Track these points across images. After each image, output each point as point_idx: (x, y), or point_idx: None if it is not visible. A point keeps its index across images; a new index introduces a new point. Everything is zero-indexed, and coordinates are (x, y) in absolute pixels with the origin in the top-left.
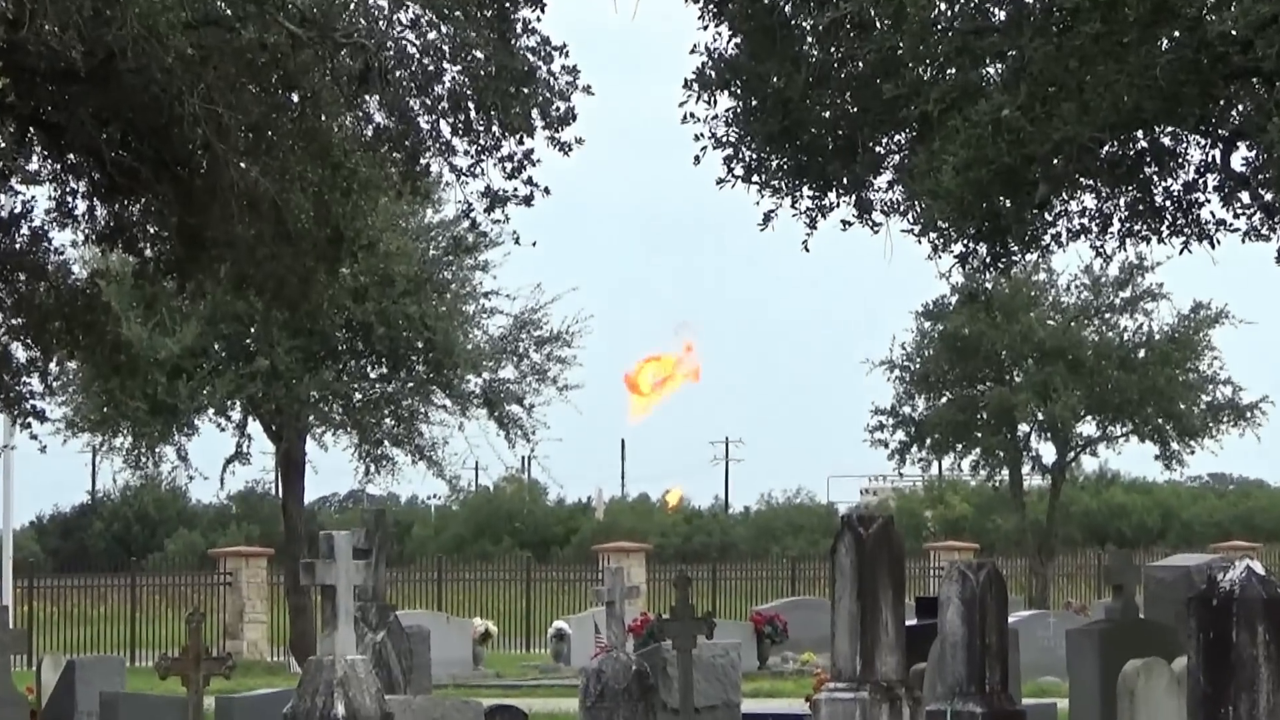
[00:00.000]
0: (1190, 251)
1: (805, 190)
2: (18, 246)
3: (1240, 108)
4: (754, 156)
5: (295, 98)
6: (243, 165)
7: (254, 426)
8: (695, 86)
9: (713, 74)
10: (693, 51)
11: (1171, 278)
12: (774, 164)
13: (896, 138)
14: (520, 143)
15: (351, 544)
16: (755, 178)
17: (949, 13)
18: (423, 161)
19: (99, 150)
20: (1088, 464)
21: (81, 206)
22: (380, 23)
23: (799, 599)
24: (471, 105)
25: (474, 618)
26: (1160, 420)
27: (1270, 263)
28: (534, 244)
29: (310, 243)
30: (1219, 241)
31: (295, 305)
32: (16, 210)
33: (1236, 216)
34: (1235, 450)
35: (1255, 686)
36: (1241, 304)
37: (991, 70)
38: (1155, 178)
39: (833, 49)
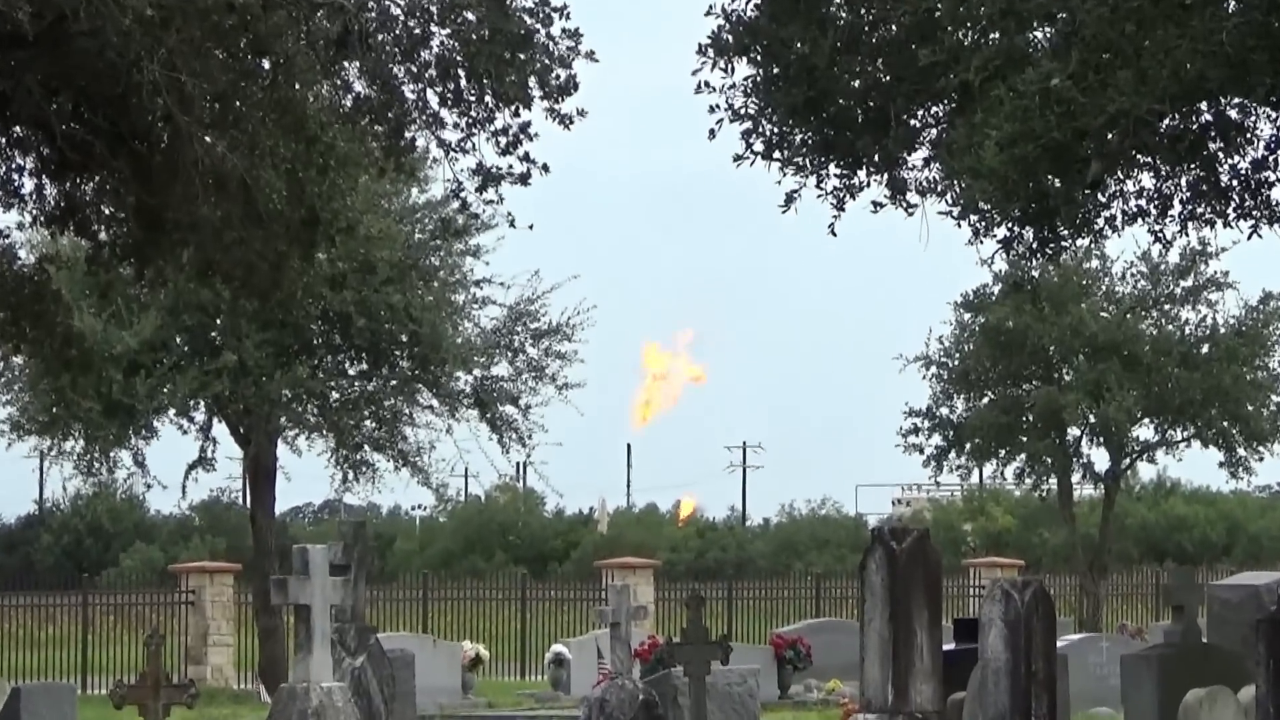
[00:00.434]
0: (1259, 236)
1: (832, 168)
2: None
3: None
4: (775, 130)
5: (266, 64)
6: (208, 139)
7: (219, 429)
8: (710, 52)
9: (730, 38)
10: (708, 13)
11: (1238, 265)
12: (797, 139)
13: (934, 109)
14: (516, 115)
15: (328, 559)
16: (777, 154)
17: None
18: (407, 135)
19: (48, 122)
20: (1145, 472)
21: (29, 185)
22: None
23: (824, 620)
24: (462, 73)
25: (463, 641)
26: (1225, 423)
27: None
28: (531, 227)
29: (282, 225)
30: None
31: (266, 294)
32: None
33: None
34: None
35: None
36: None
37: (1039, 35)
38: (1220, 154)
39: (863, 11)
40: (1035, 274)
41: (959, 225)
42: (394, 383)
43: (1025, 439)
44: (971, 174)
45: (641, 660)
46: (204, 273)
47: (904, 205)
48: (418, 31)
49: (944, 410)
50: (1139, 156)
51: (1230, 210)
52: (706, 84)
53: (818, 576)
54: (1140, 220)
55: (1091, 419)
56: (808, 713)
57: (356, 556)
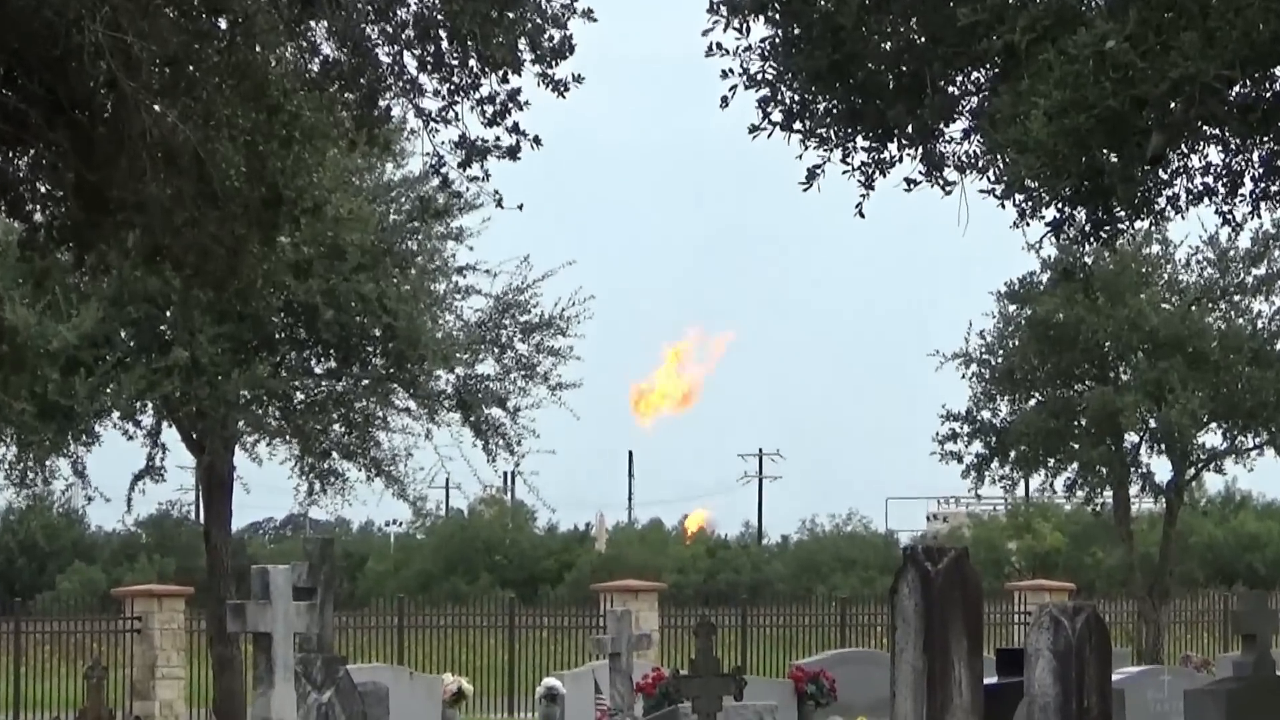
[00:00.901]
0: None
1: (860, 141)
2: None
3: None
4: (796, 98)
5: (223, 24)
6: (156, 108)
7: (169, 434)
8: (723, 10)
9: None
10: None
11: None
12: (820, 108)
13: (974, 75)
14: (504, 81)
15: (291, 581)
16: (797, 125)
17: None
18: (381, 104)
19: None
20: (1211, 483)
21: None
22: None
23: (850, 651)
24: (443, 34)
25: (444, 674)
26: None
27: None
28: (520, 207)
29: (241, 205)
30: None
31: (221, 283)
32: None
33: None
34: None
35: None
36: None
37: None
38: None
39: None
40: (1088, 260)
41: (1002, 205)
42: (366, 382)
43: (1077, 446)
44: (1017, 147)
45: (645, 695)
46: (152, 258)
47: (940, 183)
48: None
49: (985, 414)
50: (1205, 128)
51: None
52: (718, 46)
53: (843, 601)
54: (1207, 200)
55: (1152, 423)
56: None
57: (323, 578)
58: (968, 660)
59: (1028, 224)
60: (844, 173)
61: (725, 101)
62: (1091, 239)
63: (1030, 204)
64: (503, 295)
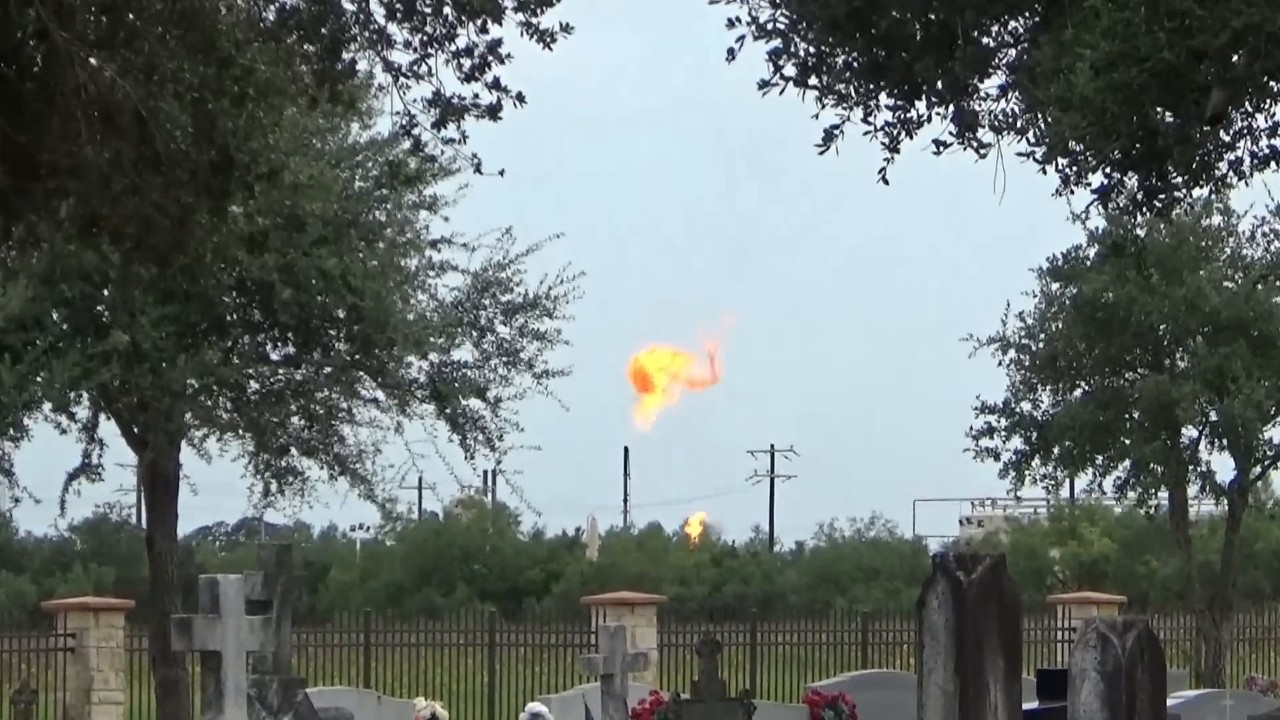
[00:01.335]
0: None
1: (883, 98)
2: None
3: None
4: (811, 50)
5: None
6: (93, 62)
7: (108, 428)
8: None
9: None
10: None
11: None
12: (839, 61)
13: (1012, 24)
14: (483, 30)
15: (244, 594)
16: (813, 80)
17: None
18: (346, 57)
19: None
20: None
21: None
22: None
23: (872, 673)
24: None
25: (416, 698)
26: None
27: None
28: (501, 173)
29: (187, 170)
30: None
31: (166, 258)
32: None
33: None
34: None
35: None
36: None
37: None
38: None
39: None
40: (1141, 233)
41: (1044, 171)
42: (328, 370)
43: (1128, 442)
44: (1060, 105)
45: None
46: (88, 230)
47: (974, 145)
48: None
49: (1025, 405)
50: (1271, 83)
51: None
52: None
53: (864, 616)
54: (1274, 164)
55: (1212, 416)
56: None
57: (280, 590)
58: (1004, 682)
59: (1072, 192)
60: (865, 134)
61: (732, 54)
62: (1144, 209)
63: (1075, 169)
64: (482, 272)
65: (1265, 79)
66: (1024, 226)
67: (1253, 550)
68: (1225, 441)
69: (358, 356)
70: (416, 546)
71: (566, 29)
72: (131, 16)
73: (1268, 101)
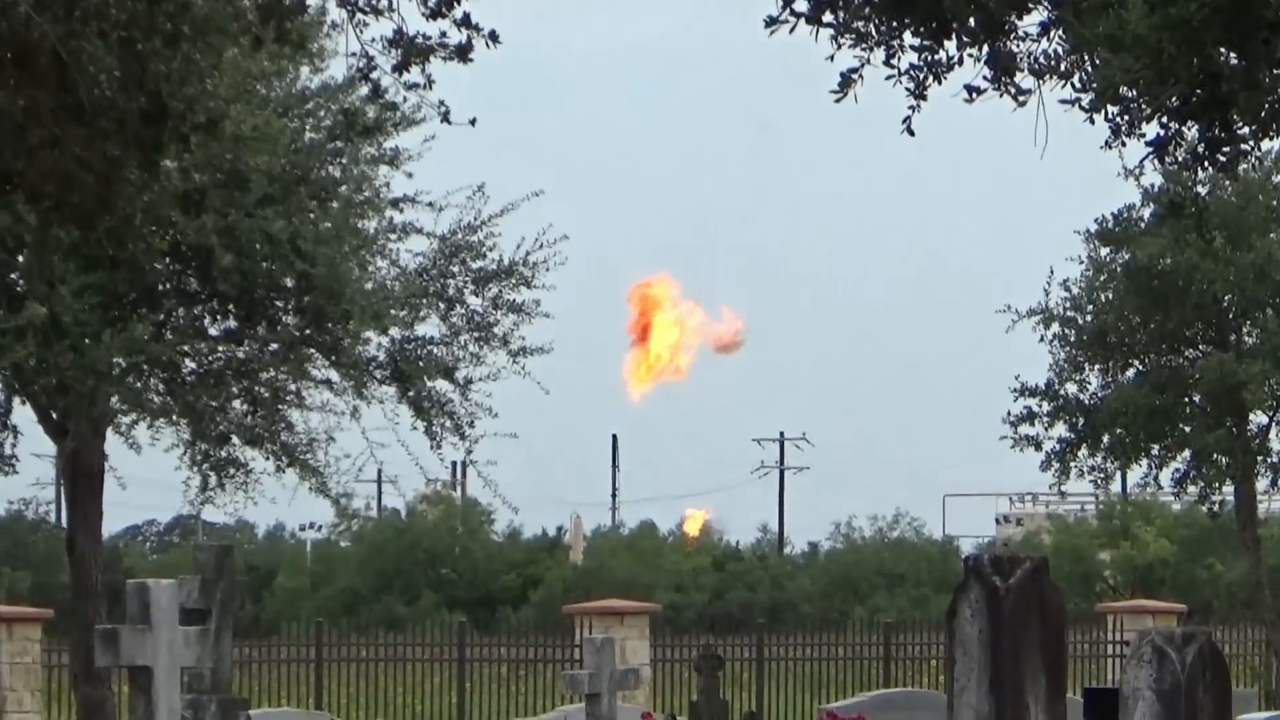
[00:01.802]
0: None
1: (908, 37)
2: None
3: None
4: None
5: None
6: None
7: (22, 413)
8: None
9: None
10: None
11: None
12: None
13: None
14: None
15: (178, 602)
16: (827, 16)
17: None
18: None
19: None
20: None
21: None
22: None
23: (896, 692)
24: None
25: (375, 719)
26: None
27: None
28: (472, 122)
29: (115, 120)
30: None
31: (90, 219)
32: None
33: None
34: None
35: None
36: None
37: None
38: None
39: None
40: (1202, 191)
41: (1091, 120)
42: (275, 347)
43: (1188, 429)
44: (1110, 45)
45: None
46: (1, 189)
47: (1012, 91)
48: None
49: (1070, 387)
50: None
51: None
52: None
53: (887, 627)
54: None
55: None
56: None
57: (220, 597)
58: (1047, 703)
59: (1123, 144)
60: (888, 78)
61: None
62: (1206, 163)
63: (1127, 118)
64: (450, 235)
65: None
66: (1069, 184)
67: None
68: None
69: (308, 332)
70: (375, 548)
71: None
72: None
73: None
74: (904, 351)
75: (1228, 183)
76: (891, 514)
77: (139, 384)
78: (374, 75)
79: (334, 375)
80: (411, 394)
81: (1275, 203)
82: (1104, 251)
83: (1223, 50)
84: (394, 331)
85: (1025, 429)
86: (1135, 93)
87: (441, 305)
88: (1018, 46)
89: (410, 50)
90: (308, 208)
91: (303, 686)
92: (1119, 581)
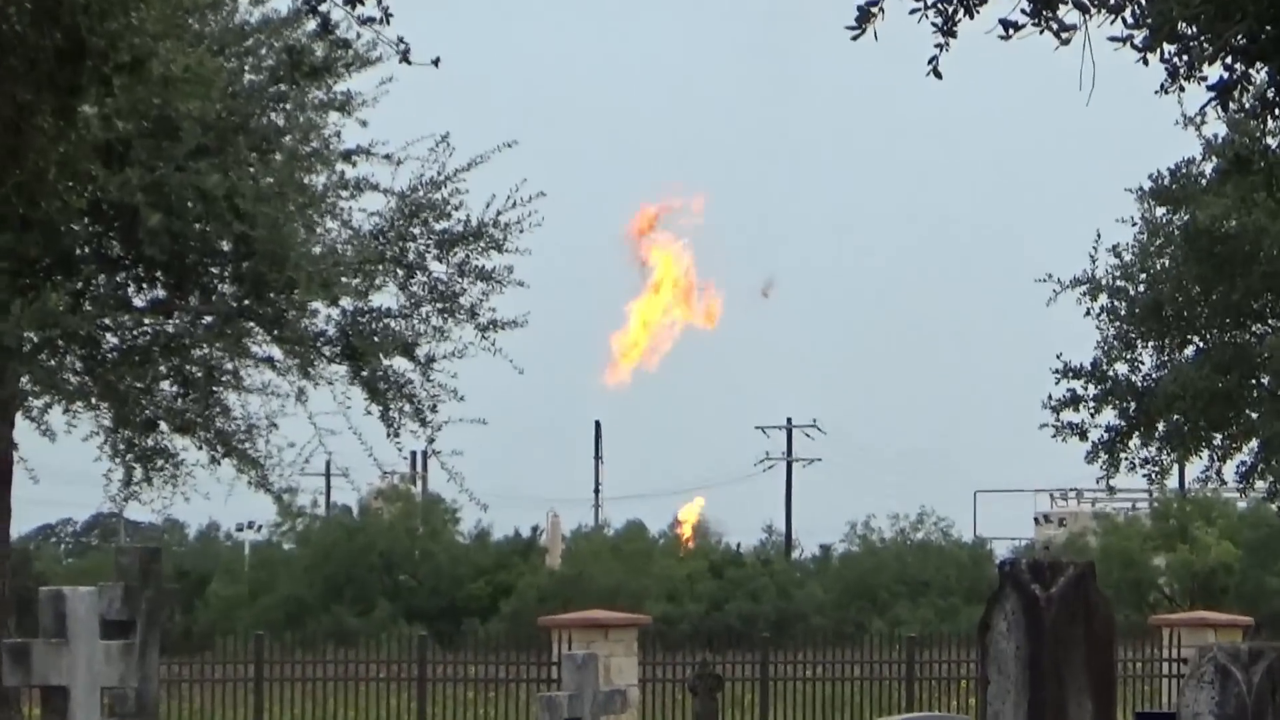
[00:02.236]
0: None
1: None
2: None
3: None
4: None
5: None
6: None
7: None
8: None
9: None
10: None
11: None
12: None
13: None
14: None
15: (98, 612)
16: None
17: None
18: None
19: None
20: None
21: None
22: None
23: (920, 716)
24: None
25: None
26: None
27: None
28: (435, 63)
29: (25, 60)
30: None
31: None
32: None
33: None
34: None
35: None
36: None
37: None
38: None
39: None
40: (1271, 143)
41: (1145, 61)
42: (209, 320)
43: (1255, 415)
44: None
45: None
46: None
47: (1054, 27)
48: None
49: (1121, 367)
50: None
51: None
52: None
53: (910, 642)
54: None
55: None
56: None
57: (145, 607)
58: None
59: (1182, 89)
60: (912, 12)
61: None
62: (1277, 110)
63: (1186, 59)
64: (410, 192)
65: None
66: (1119, 135)
67: None
68: None
69: (247, 302)
70: (323, 551)
71: None
72: None
73: None
74: (929, 327)
75: None
76: (915, 512)
77: (53, 362)
78: (323, 8)
79: (276, 352)
80: (365, 374)
81: None
82: (1159, 212)
83: None
84: (345, 302)
85: (1069, 415)
86: (1195, 29)
87: (400, 272)
88: None
89: None
90: (247, 160)
91: (240, 709)
92: (1176, 590)
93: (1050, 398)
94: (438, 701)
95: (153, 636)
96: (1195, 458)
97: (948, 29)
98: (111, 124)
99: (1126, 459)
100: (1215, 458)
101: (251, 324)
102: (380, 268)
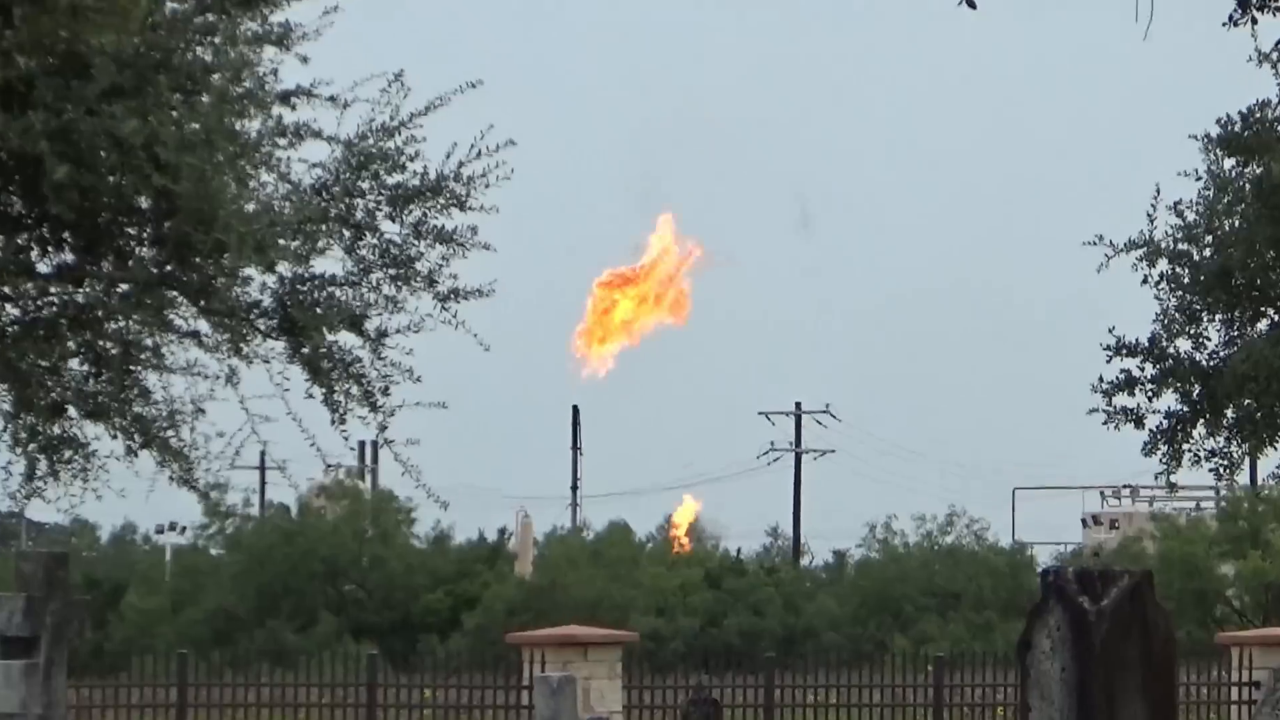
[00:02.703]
0: None
1: None
2: None
3: None
4: None
5: None
6: None
7: None
8: None
9: None
10: None
11: None
12: None
13: None
14: None
15: None
16: None
17: None
18: None
19: None
20: None
21: None
22: None
23: None
24: None
25: None
26: None
27: None
28: None
29: None
30: None
31: None
32: None
33: None
34: None
35: None
36: None
37: None
38: None
39: None
40: None
41: None
42: (125, 288)
43: None
44: None
45: None
46: None
47: None
48: None
49: (1183, 344)
50: None
51: None
52: None
53: (938, 663)
54: None
55: None
56: None
57: (51, 622)
58: None
59: (1254, 19)
60: None
61: None
62: None
63: None
64: (359, 141)
65: None
66: (1181, 74)
67: None
68: None
69: (169, 268)
70: (257, 557)
71: None
72: None
73: None
74: (959, 299)
75: None
76: (943, 513)
77: None
78: None
79: (204, 326)
80: (306, 351)
81: None
82: (1228, 164)
83: None
84: (283, 268)
85: (1123, 399)
86: None
87: (346, 233)
88: None
89: None
90: (169, 103)
91: None
92: (1245, 604)
93: (1101, 379)
94: None
95: (59, 655)
96: (1269, 449)
97: None
98: (11, 61)
99: (1190, 451)
100: None
101: (174, 293)
102: (323, 228)
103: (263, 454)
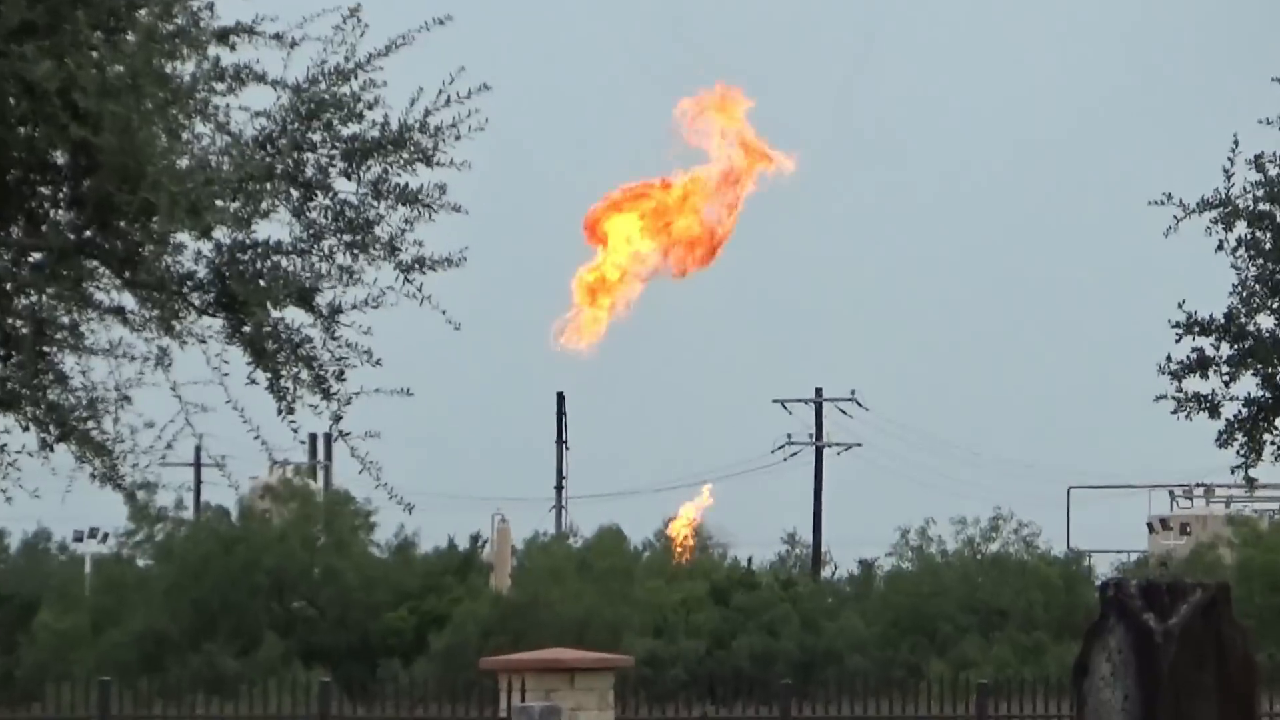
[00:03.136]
0: None
1: None
2: None
3: None
4: None
5: None
6: None
7: None
8: None
9: None
10: None
11: None
12: None
13: None
14: None
15: None
16: None
17: None
18: None
19: None
20: None
21: None
22: None
23: None
24: None
25: None
26: None
27: None
28: None
29: None
30: None
31: None
32: None
33: None
34: None
35: None
36: None
37: None
38: None
39: None
40: None
41: None
42: (37, 257)
43: None
44: None
45: None
46: None
47: None
48: None
49: (1265, 320)
50: None
51: None
52: None
53: (982, 690)
54: None
55: None
56: None
57: None
58: None
59: None
60: None
61: None
62: None
63: None
64: (309, 86)
65: None
66: (1260, 11)
67: None
68: None
69: (89, 234)
70: (191, 569)
71: None
72: None
73: None
74: (1002, 270)
75: None
76: (987, 516)
77: None
78: None
79: (129, 301)
80: (248, 329)
81: None
82: None
83: None
84: (221, 233)
85: (1194, 384)
86: None
87: (295, 193)
88: None
89: None
90: (88, 42)
91: None
92: None
93: (1169, 360)
94: None
95: None
96: None
97: None
98: None
99: (1271, 442)
100: None
101: (95, 263)
102: (268, 187)
103: (198, 448)
